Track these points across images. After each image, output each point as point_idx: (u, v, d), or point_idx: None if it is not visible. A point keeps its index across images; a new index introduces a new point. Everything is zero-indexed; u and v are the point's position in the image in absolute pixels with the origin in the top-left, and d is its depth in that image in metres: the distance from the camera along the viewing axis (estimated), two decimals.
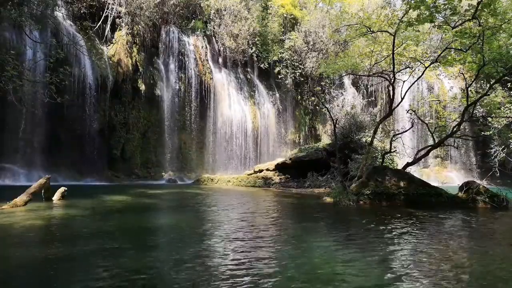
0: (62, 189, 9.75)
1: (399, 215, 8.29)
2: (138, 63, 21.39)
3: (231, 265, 4.14)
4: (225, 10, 25.30)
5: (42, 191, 8.99)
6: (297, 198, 12.49)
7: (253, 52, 26.07)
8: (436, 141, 13.66)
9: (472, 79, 14.38)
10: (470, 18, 10.72)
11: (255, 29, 25.99)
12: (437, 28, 12.61)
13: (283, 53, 27.08)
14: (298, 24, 28.26)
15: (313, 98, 27.67)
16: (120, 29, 20.99)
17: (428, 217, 8.14)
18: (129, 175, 20.42)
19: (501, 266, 4.50)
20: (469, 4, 10.94)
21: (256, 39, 26.08)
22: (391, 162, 17.27)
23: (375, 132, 13.83)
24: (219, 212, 8.84)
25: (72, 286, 3.47)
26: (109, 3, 20.21)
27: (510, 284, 3.87)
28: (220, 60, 25.70)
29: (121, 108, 20.44)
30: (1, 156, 15.96)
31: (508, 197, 10.14)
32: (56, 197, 9.49)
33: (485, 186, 11.02)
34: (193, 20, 24.70)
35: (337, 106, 24.19)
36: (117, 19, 20.80)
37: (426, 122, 15.42)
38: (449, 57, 13.31)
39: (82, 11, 19.47)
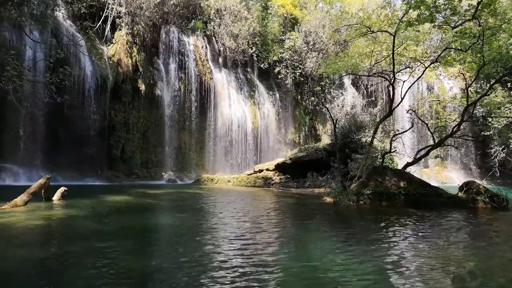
0: (62, 189, 9.74)
1: (399, 215, 8.29)
2: (138, 63, 21.39)
3: (231, 265, 4.14)
4: (225, 10, 25.30)
5: (42, 191, 8.98)
6: (297, 198, 12.49)
7: (253, 52, 26.05)
8: (436, 141, 13.67)
9: (472, 79, 14.39)
10: (470, 18, 10.73)
11: (255, 29, 25.98)
12: (437, 28, 12.62)
13: (283, 53, 27.07)
14: (298, 24, 28.25)
15: (313, 98, 27.65)
16: (120, 29, 20.99)
17: (428, 217, 8.14)
18: (129, 175, 20.42)
19: (501, 266, 4.50)
20: (469, 4, 10.95)
21: (256, 39, 26.07)
22: (391, 162, 17.28)
23: (375, 132, 13.83)
24: (219, 212, 8.84)
25: (72, 286, 3.47)
26: (109, 3, 20.21)
27: (510, 284, 3.87)
28: (220, 60, 25.69)
29: (121, 108, 20.43)
30: (1, 156, 15.96)
31: (508, 197, 10.14)
32: (56, 197, 9.49)
33: (485, 186, 11.02)
34: (193, 20, 24.69)
35: (337, 106, 24.23)
36: (117, 19, 20.80)
37: (426, 122, 15.43)
38: (449, 57, 13.34)
39: (82, 11, 19.46)
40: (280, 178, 17.80)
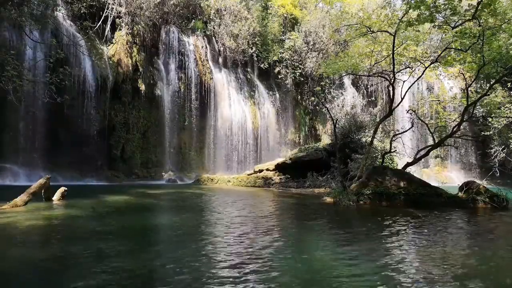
0: (62, 189, 9.74)
1: (399, 215, 8.29)
2: (138, 63, 21.39)
3: (231, 265, 4.14)
4: (225, 10, 25.30)
5: (42, 191, 8.98)
6: (297, 198, 12.49)
7: (253, 52, 26.05)
8: (436, 141, 13.67)
9: (472, 79, 14.39)
10: (470, 18, 10.73)
11: (255, 29, 25.98)
12: (437, 28, 12.61)
13: (283, 53, 27.07)
14: (298, 24, 28.25)
15: (313, 98, 27.65)
16: (120, 29, 20.99)
17: (428, 217, 8.14)
18: (129, 175, 20.42)
19: (502, 266, 4.50)
20: (469, 4, 10.95)
21: (256, 39, 26.07)
22: (391, 162, 17.28)
23: (375, 132, 13.83)
24: (219, 213, 8.84)
25: (72, 286, 3.47)
26: (109, 3, 20.21)
27: (509, 283, 3.88)
28: (220, 60, 25.70)
29: (121, 108, 20.43)
30: (1, 156, 15.96)
31: (508, 197, 10.14)
32: (56, 197, 9.49)
33: (485, 186, 11.01)
34: (193, 20, 24.70)
35: (337, 106, 24.23)
36: (117, 19, 20.80)
37: (426, 122, 15.42)
38: (449, 57, 13.33)
39: (82, 11, 19.46)
40: (280, 178, 17.80)
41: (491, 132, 21.02)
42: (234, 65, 26.20)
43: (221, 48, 25.46)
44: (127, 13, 20.93)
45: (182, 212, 8.95)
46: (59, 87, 13.76)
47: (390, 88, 13.91)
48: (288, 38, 27.34)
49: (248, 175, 19.09)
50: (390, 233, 6.38)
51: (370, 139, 14.37)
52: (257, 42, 26.16)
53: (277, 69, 27.24)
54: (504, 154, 21.98)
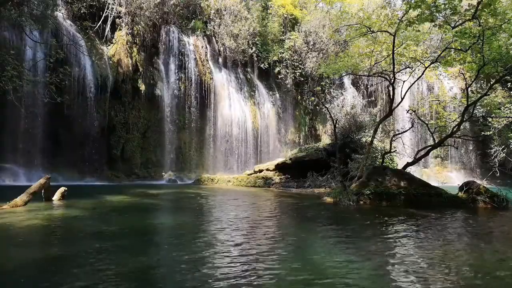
0: (62, 189, 9.75)
1: (399, 215, 8.29)
2: (138, 63, 21.38)
3: (231, 265, 4.14)
4: (225, 10, 25.30)
5: (42, 191, 8.98)
6: (297, 198, 12.48)
7: (253, 52, 26.05)
8: (436, 141, 13.67)
9: (472, 79, 14.39)
10: (470, 18, 10.72)
11: (255, 29, 25.98)
12: (437, 28, 12.60)
13: (283, 53, 27.07)
14: (298, 24, 28.25)
15: (313, 98, 27.65)
16: (120, 29, 20.99)
17: (428, 217, 8.14)
18: (129, 175, 20.42)
19: (502, 265, 4.50)
20: (469, 4, 10.95)
21: (256, 39, 26.07)
22: (391, 162, 17.28)
23: (375, 132, 13.83)
24: (219, 212, 8.84)
25: (72, 286, 3.47)
26: (109, 3, 20.21)
27: (509, 283, 3.88)
28: (220, 60, 25.69)
29: (121, 108, 20.44)
30: (1, 156, 15.96)
31: (508, 197, 10.14)
32: (56, 197, 9.49)
33: (485, 186, 11.01)
34: (193, 20, 24.69)
35: (337, 106, 24.20)
36: (117, 19, 20.79)
37: (426, 122, 15.42)
38: (449, 57, 13.32)
39: (82, 11, 19.46)
40: (280, 178, 17.80)
41: (491, 132, 21.00)
42: (234, 65, 26.20)
43: (221, 48, 25.46)
44: (127, 13, 20.93)
45: (183, 212, 8.95)
46: (59, 87, 13.79)
47: (390, 88, 13.91)
48: (288, 38, 27.33)
49: (248, 175, 19.09)
50: (391, 233, 6.38)
51: (370, 139, 14.37)
52: (257, 42, 26.16)
53: (277, 69, 27.23)
54: (504, 154, 21.96)
